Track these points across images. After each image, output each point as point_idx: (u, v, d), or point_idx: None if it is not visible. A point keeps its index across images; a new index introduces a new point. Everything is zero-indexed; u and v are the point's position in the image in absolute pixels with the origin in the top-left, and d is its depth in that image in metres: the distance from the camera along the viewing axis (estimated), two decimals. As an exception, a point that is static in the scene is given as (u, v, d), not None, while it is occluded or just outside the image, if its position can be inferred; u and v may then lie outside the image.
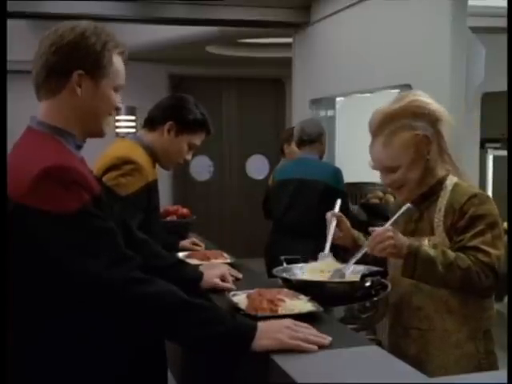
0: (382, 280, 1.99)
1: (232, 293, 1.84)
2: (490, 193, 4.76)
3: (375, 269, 2.03)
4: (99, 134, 1.64)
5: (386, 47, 4.12)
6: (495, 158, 5.23)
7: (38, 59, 1.56)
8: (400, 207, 1.95)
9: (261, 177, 8.30)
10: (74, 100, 1.56)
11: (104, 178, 2.20)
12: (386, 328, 2.10)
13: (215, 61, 7.62)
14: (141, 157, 2.34)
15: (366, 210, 4.44)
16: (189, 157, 2.50)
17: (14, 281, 1.47)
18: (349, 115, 5.21)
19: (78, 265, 1.43)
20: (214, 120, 2.54)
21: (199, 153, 7.63)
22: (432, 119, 1.91)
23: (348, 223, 2.14)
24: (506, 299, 2.70)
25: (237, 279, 2.10)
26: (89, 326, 1.51)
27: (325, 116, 5.38)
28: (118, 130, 7.12)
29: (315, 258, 2.13)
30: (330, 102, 5.33)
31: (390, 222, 1.90)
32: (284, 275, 2.01)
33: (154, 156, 2.43)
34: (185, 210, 3.24)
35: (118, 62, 1.62)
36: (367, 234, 1.97)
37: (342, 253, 2.17)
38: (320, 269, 2.03)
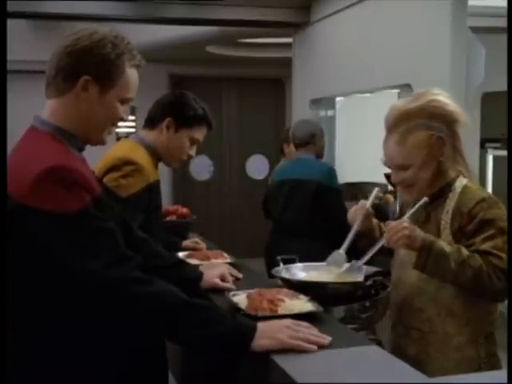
0: (383, 280, 1.99)
1: (232, 293, 1.84)
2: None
3: (375, 269, 2.03)
4: (99, 141, 1.64)
5: (385, 47, 4.11)
6: (495, 158, 5.23)
7: (53, 58, 1.57)
8: (414, 204, 1.92)
9: (261, 177, 8.29)
10: (78, 103, 1.57)
11: (105, 179, 2.20)
12: (386, 328, 2.10)
13: (215, 61, 7.61)
14: (142, 157, 2.33)
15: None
16: (192, 153, 2.48)
17: (13, 280, 1.47)
18: (349, 115, 5.21)
19: (78, 264, 1.43)
20: (214, 120, 2.52)
21: (199, 152, 7.58)
22: (449, 120, 1.89)
23: (373, 221, 2.08)
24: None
25: (237, 279, 2.10)
26: (89, 326, 1.51)
27: (325, 116, 5.37)
28: (117, 130, 7.11)
29: (313, 258, 2.12)
30: (329, 102, 5.33)
31: (407, 215, 1.89)
32: (286, 276, 2.01)
33: (157, 155, 2.42)
34: (185, 210, 3.25)
35: (131, 74, 1.61)
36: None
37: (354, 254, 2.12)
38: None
